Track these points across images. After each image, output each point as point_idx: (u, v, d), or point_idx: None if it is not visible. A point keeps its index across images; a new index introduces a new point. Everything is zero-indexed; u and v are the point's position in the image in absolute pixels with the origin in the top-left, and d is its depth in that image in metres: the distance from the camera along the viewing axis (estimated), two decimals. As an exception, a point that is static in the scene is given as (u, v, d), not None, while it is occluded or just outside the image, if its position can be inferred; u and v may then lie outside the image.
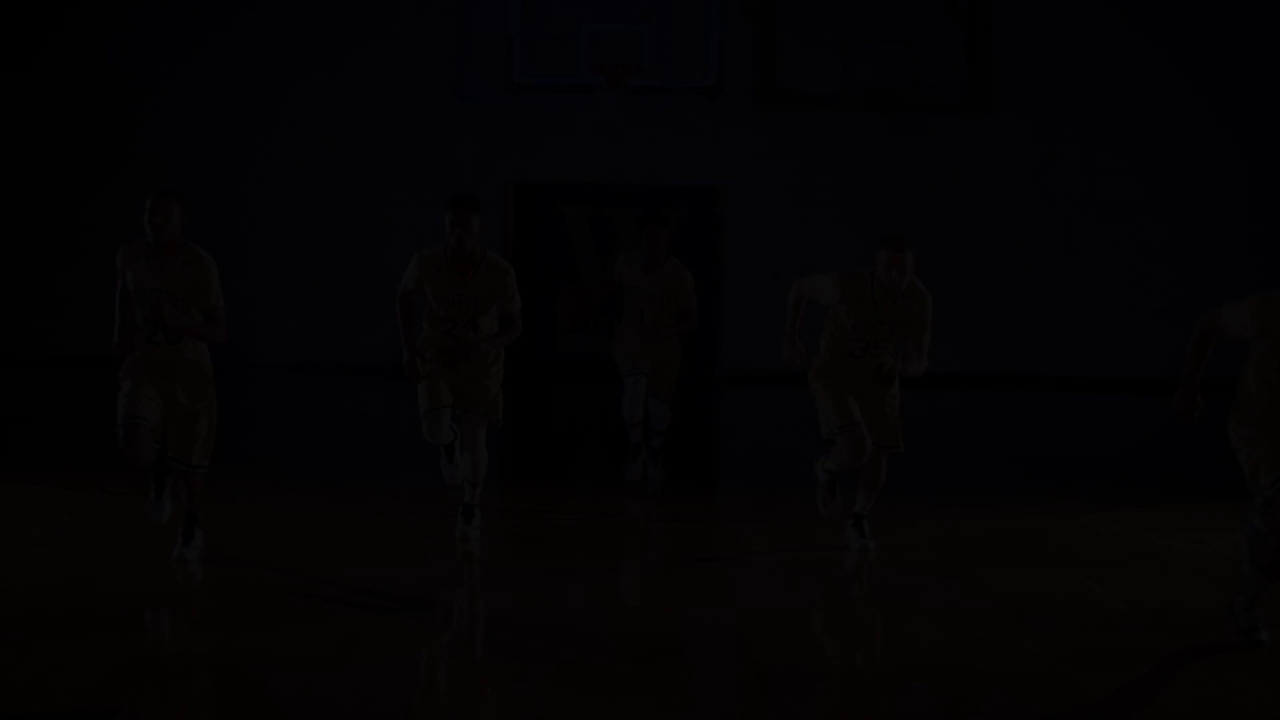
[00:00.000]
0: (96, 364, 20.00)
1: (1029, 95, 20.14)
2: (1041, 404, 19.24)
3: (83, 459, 12.64)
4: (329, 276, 20.20)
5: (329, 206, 20.22)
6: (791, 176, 20.28)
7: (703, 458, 14.24)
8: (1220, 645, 6.94)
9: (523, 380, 20.35)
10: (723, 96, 17.46)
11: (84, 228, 19.98)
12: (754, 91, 20.09)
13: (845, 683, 6.46)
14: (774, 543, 9.28)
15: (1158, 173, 20.15)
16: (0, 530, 9.14)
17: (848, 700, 6.23)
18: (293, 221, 20.17)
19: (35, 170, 20.27)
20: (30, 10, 20.13)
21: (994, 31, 20.05)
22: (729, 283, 20.49)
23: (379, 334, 20.28)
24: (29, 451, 13.38)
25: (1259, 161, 20.16)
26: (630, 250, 11.02)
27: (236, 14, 20.27)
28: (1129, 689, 6.25)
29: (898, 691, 6.26)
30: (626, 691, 6.15)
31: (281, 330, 20.15)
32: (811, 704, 6.10)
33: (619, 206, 20.38)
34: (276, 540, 9.01)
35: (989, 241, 20.30)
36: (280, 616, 7.13)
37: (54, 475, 11.35)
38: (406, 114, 20.12)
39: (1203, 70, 20.14)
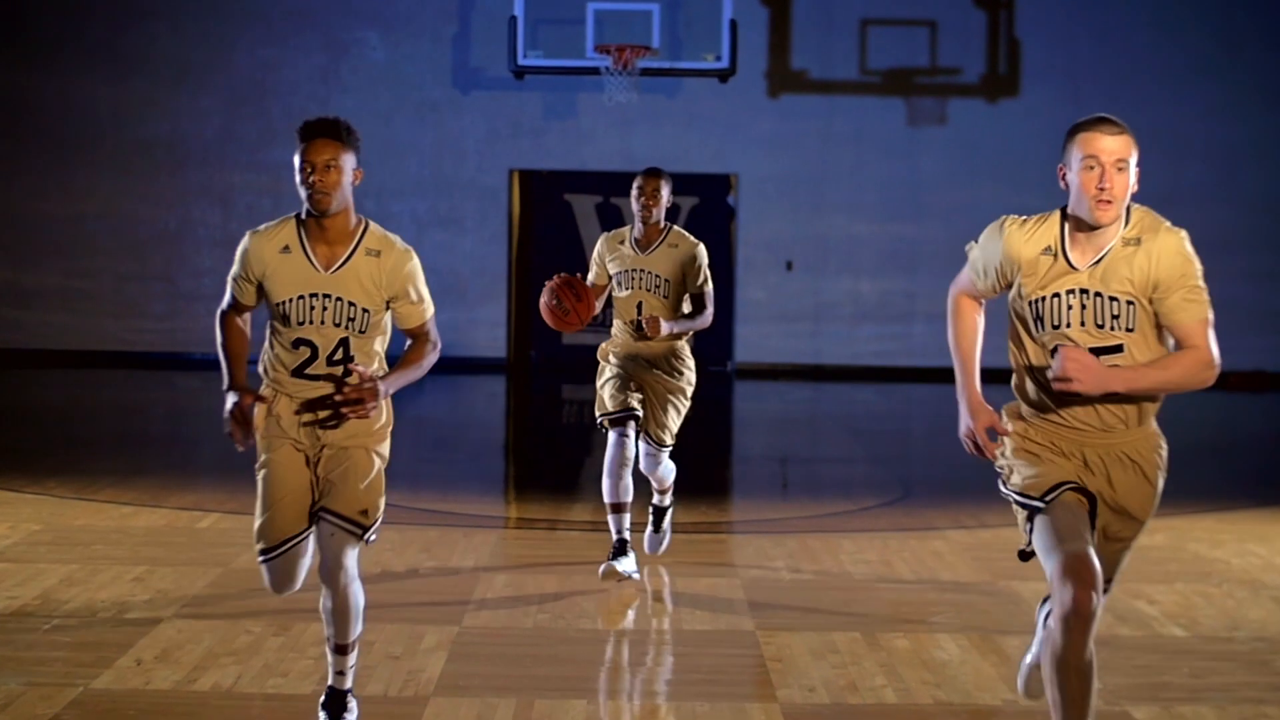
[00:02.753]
0: (71, 358, 19.46)
1: (1054, 77, 19.49)
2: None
3: (65, 459, 11.96)
4: (328, 267, 19.58)
5: (328, 195, 19.60)
6: (807, 163, 19.66)
7: (715, 458, 13.59)
8: (1293, 678, 6.30)
9: (529, 377, 19.75)
10: (735, 80, 16.83)
11: (49, 217, 19.42)
12: (767, 75, 19.47)
13: (879, 722, 5.82)
14: (794, 555, 8.61)
15: (1195, 159, 19.49)
16: (-38, 543, 8.49)
17: (883, 744, 5.60)
18: (288, 211, 19.54)
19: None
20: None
21: (1017, 11, 19.43)
22: (742, 273, 19.86)
23: (379, 327, 19.68)
24: (5, 450, 12.70)
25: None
26: (613, 230, 8.11)
27: (233, -5, 19.68)
28: (1198, 732, 5.60)
29: (938, 733, 5.62)
30: (636, 735, 5.53)
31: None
32: (843, 750, 5.47)
33: (627, 195, 19.70)
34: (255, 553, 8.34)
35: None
36: (255, 646, 6.49)
37: (32, 476, 10.67)
38: (407, 97, 19.51)
39: (1243, 48, 19.48)
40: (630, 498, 7.72)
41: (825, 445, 14.94)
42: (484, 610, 7.23)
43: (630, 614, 7.31)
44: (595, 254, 7.98)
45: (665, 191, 7.77)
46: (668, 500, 8.16)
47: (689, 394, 7.90)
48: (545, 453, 14.20)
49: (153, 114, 19.57)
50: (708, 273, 7.81)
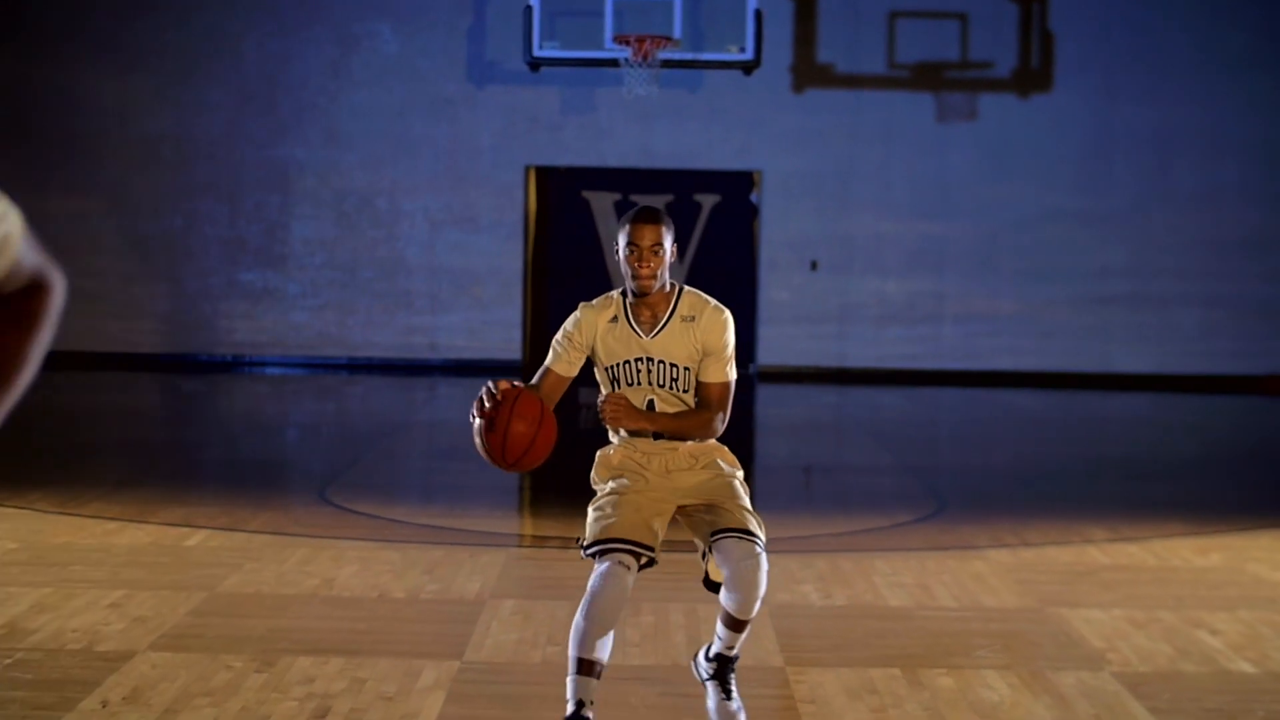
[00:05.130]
0: (73, 359, 18.89)
1: (1088, 72, 18.89)
2: (1110, 405, 17.94)
3: (53, 468, 11.39)
4: (337, 267, 19.04)
5: (337, 192, 19.06)
6: (833, 160, 19.08)
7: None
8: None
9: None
10: (759, 74, 16.25)
11: (51, 214, 18.94)
12: (793, 68, 18.90)
13: (924, 777, 5.22)
14: (824, 578, 7.99)
15: (1232, 157, 18.85)
16: (-68, 563, 7.92)
17: (930, 804, 4.99)
18: (296, 209, 19.01)
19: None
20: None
21: (1050, 3, 18.83)
22: (765, 273, 19.29)
23: (391, 329, 19.12)
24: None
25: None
26: (597, 300, 5.39)
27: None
28: (1285, 792, 4.98)
29: (991, 791, 5.01)
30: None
31: (284, 325, 18.98)
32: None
33: (647, 192, 19.18)
34: (244, 575, 7.76)
35: (1046, 230, 19.08)
36: (234, 684, 5.90)
37: (16, 488, 10.11)
38: (421, 92, 18.96)
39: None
40: (608, 655, 5.14)
41: (853, 453, 14.33)
42: (488, 642, 6.63)
43: (647, 647, 6.69)
44: (569, 331, 5.31)
45: (668, 242, 5.21)
46: (740, 641, 5.46)
47: (740, 474, 5.41)
48: (561, 461, 13.59)
49: (158, 109, 19.04)
50: (733, 354, 5.29)
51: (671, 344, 5.23)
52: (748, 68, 15.67)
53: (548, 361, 5.36)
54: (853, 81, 18.99)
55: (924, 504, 10.69)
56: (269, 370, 18.96)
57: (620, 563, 5.05)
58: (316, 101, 19.04)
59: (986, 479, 12.37)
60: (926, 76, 18.97)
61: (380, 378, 18.64)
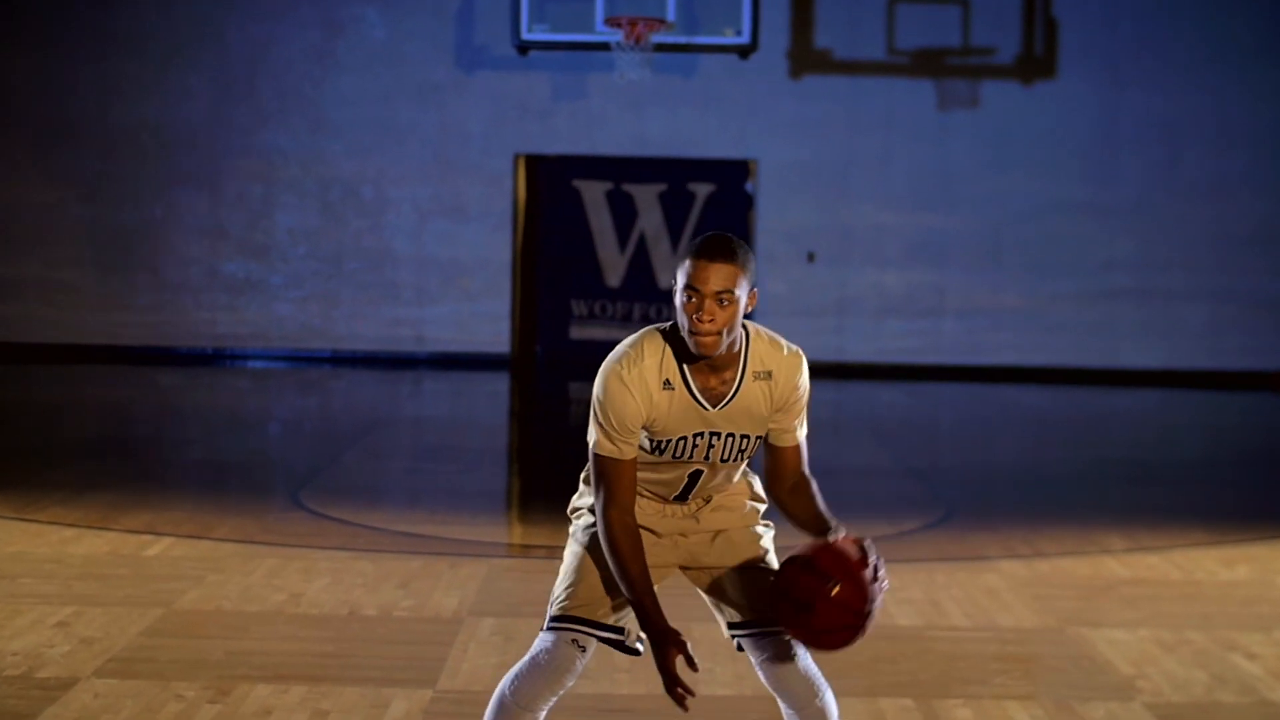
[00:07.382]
0: (51, 352, 18.38)
1: (1093, 59, 18.39)
2: (1117, 402, 17.43)
3: (17, 469, 10.84)
4: (321, 258, 18.52)
5: (320, 182, 18.53)
6: (831, 149, 18.57)
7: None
8: None
9: (533, 374, 18.65)
10: (756, 60, 15.73)
11: (28, 204, 18.44)
12: (790, 54, 18.39)
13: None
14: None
15: (1241, 148, 18.35)
16: (-128, 575, 7.38)
17: None
18: (280, 198, 18.47)
19: None
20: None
21: (1055, -12, 18.39)
22: (762, 266, 18.77)
23: (375, 321, 18.60)
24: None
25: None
26: (636, 359, 3.94)
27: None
28: None
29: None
30: None
31: (268, 317, 18.46)
32: None
33: (640, 181, 18.67)
34: (205, 589, 7.23)
35: (1050, 221, 18.59)
36: (186, 716, 5.38)
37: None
38: (408, 77, 18.44)
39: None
40: None
41: (853, 453, 13.80)
42: (465, 667, 6.12)
43: (638, 674, 6.17)
44: (613, 412, 3.92)
45: (744, 290, 3.85)
46: None
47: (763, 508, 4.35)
48: (550, 459, 13.08)
49: (138, 95, 18.48)
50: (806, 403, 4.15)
51: (743, 412, 4.02)
52: (744, 52, 15.17)
53: (605, 451, 3.98)
54: (852, 68, 18.47)
55: (930, 509, 10.17)
56: (251, 363, 18.43)
57: (575, 642, 4.10)
58: (301, 88, 18.50)
59: (994, 481, 11.86)
60: (927, 63, 18.46)
61: (365, 371, 18.13)
